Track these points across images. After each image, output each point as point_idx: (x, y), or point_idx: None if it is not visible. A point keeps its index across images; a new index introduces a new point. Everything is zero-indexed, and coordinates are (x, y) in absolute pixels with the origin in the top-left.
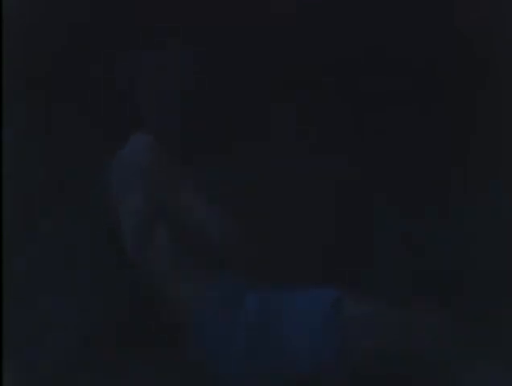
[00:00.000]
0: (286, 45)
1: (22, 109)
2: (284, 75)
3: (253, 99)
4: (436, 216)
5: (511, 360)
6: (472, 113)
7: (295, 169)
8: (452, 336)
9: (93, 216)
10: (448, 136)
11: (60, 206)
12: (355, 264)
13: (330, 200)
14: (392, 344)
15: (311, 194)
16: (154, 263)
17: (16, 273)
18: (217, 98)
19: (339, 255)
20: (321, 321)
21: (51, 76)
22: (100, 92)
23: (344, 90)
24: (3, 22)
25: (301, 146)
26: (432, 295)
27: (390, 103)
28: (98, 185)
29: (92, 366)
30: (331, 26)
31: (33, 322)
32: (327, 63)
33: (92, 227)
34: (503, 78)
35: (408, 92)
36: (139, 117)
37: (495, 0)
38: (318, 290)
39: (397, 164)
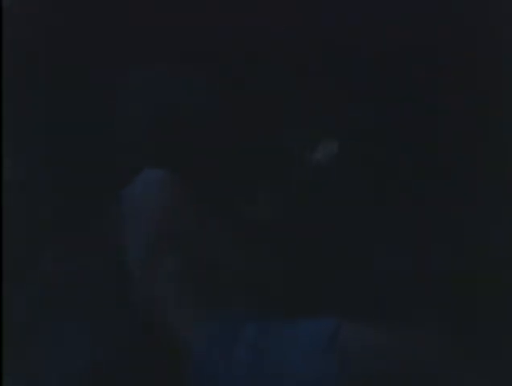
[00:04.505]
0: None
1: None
2: None
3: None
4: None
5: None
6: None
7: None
8: (453, 355)
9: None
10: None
11: (67, 237)
12: (354, 288)
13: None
14: (393, 372)
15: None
16: (156, 292)
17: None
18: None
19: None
20: (321, 351)
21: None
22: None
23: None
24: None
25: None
26: (433, 311)
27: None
28: (107, 217)
29: None
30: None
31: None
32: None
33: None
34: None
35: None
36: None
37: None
38: (317, 321)
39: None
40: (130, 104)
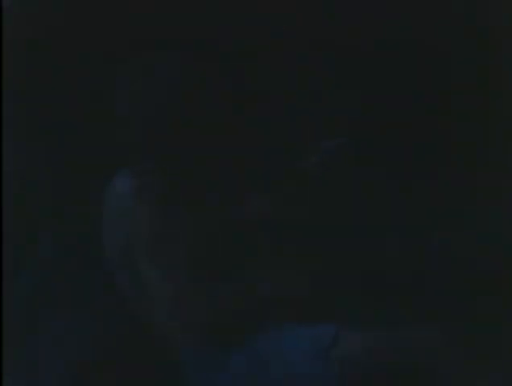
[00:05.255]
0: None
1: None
2: None
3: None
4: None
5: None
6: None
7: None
8: (452, 355)
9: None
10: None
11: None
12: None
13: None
14: (392, 375)
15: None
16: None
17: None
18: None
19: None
20: (320, 360)
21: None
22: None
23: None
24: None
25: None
26: (432, 316)
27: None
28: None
29: None
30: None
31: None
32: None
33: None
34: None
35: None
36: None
37: None
38: (316, 327)
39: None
40: (129, 103)
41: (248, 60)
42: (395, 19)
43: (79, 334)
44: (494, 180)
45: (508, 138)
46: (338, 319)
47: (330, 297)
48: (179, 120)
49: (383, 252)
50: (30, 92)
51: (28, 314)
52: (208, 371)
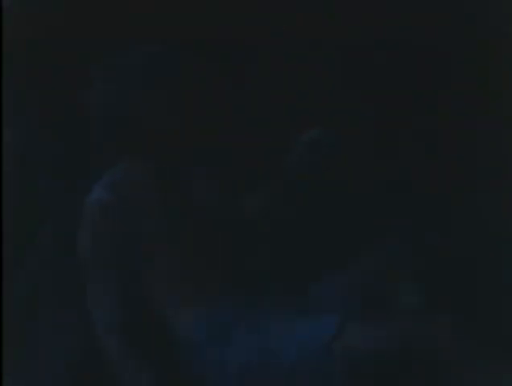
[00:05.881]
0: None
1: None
2: None
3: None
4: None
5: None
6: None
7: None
8: (455, 348)
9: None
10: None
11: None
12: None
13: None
14: (393, 370)
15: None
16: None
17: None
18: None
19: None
20: (321, 355)
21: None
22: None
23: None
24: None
25: None
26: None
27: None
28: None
29: None
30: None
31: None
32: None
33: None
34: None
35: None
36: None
37: None
38: (317, 322)
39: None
40: (129, 103)
41: (248, 60)
42: (395, 19)
43: (79, 334)
44: (494, 180)
45: (508, 138)
46: (339, 313)
47: (330, 290)
48: (179, 120)
49: (383, 248)
50: (30, 91)
51: (28, 314)
52: (205, 371)
